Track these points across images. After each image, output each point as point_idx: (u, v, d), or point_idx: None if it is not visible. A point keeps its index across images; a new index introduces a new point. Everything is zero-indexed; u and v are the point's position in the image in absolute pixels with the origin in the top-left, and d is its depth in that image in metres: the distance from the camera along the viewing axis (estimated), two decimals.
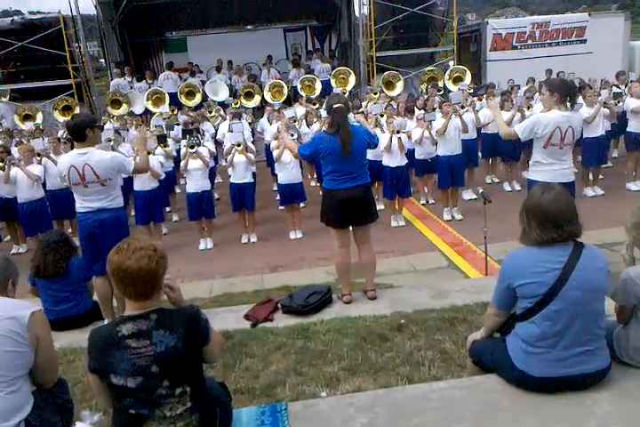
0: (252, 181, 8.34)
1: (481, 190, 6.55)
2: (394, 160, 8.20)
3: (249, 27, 18.94)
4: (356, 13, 16.92)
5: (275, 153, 8.13)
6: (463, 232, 7.66)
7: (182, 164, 8.07)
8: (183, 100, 14.24)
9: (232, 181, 8.18)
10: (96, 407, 3.26)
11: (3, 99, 15.72)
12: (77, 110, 13.52)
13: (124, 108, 13.95)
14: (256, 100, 14.33)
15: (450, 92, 12.50)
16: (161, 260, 2.27)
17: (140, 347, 2.22)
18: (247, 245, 8.13)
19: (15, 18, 16.13)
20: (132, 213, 8.24)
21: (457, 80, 14.51)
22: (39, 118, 13.75)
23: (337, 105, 4.62)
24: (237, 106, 12.70)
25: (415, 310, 4.49)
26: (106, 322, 4.59)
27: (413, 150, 8.82)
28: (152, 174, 7.63)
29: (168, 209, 9.43)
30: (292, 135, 7.94)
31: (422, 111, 9.56)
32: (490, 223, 5.92)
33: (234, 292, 6.18)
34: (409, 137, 8.47)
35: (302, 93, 13.87)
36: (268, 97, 14.19)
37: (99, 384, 2.32)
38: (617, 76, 11.54)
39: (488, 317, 2.98)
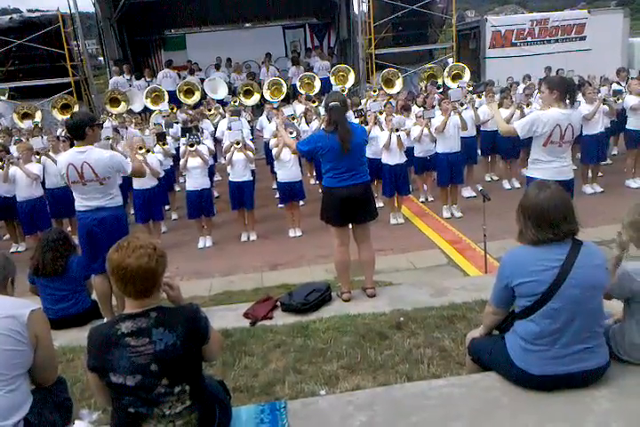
0: (252, 179, 8.33)
1: (480, 188, 6.55)
2: (393, 158, 8.20)
3: (248, 24, 18.93)
4: (355, 11, 16.93)
5: (274, 151, 8.12)
6: (462, 230, 7.66)
7: (182, 162, 8.06)
8: (182, 98, 14.22)
9: (231, 179, 8.18)
10: (95, 406, 3.26)
11: (1, 97, 15.70)
12: (76, 109, 13.49)
13: (122, 107, 13.93)
14: (255, 98, 14.31)
15: (449, 89, 12.49)
16: (160, 258, 2.27)
17: (140, 345, 2.22)
18: (246, 244, 8.13)
19: (14, 16, 16.13)
20: (132, 212, 8.24)
21: (456, 77, 14.49)
22: (38, 117, 13.73)
23: (333, 103, 4.61)
24: (236, 104, 12.68)
25: (414, 308, 4.49)
26: (105, 321, 4.59)
27: (412, 148, 8.81)
28: (151, 173, 7.62)
29: (167, 207, 9.43)
30: (290, 133, 7.94)
31: (421, 109, 9.56)
32: (489, 221, 5.93)
33: (233, 290, 6.18)
34: (407, 134, 8.47)
35: (301, 91, 13.87)
36: (267, 95, 14.18)
37: (98, 383, 2.32)
38: (617, 73, 11.53)
39: (486, 315, 2.98)
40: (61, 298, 4.78)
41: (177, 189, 10.32)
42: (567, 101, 4.69)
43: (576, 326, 2.63)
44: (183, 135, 8.72)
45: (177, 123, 10.51)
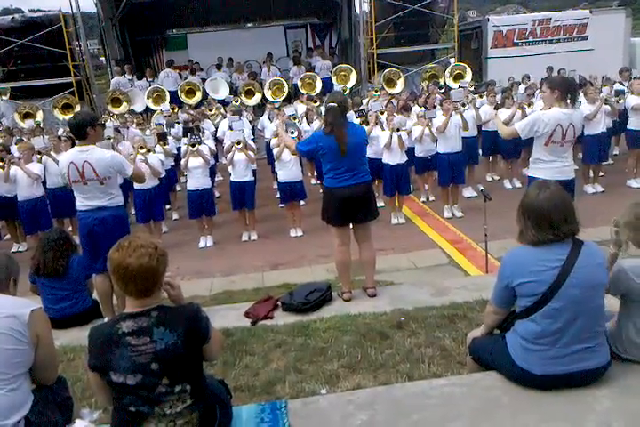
0: (253, 179, 8.32)
1: (481, 188, 6.54)
2: (394, 158, 8.20)
3: (249, 24, 18.93)
4: (357, 10, 16.93)
5: (275, 151, 8.12)
6: (463, 230, 7.66)
7: (183, 162, 8.07)
8: (183, 98, 14.24)
9: (232, 179, 8.18)
10: (96, 405, 3.26)
11: (3, 97, 15.70)
12: (78, 108, 13.51)
13: (124, 107, 13.94)
14: (256, 98, 14.31)
15: (451, 89, 12.49)
16: (161, 257, 2.27)
17: (140, 344, 2.22)
18: (247, 243, 8.13)
19: (16, 16, 16.14)
20: (132, 212, 8.25)
21: (458, 77, 14.49)
22: (39, 116, 13.75)
23: (330, 104, 4.60)
24: (238, 104, 12.69)
25: (415, 308, 4.49)
26: (106, 320, 4.59)
27: (413, 148, 8.81)
28: (152, 173, 7.64)
29: (168, 207, 9.44)
30: (292, 133, 7.95)
31: (422, 109, 9.56)
32: (490, 221, 5.92)
33: (234, 290, 6.18)
34: (408, 134, 8.47)
35: (303, 91, 13.87)
36: (268, 95, 14.18)
37: (98, 382, 2.32)
38: (620, 73, 11.52)
39: (487, 314, 2.98)
40: (62, 298, 4.78)
41: (178, 188, 10.33)
42: (568, 101, 4.69)
43: (577, 325, 2.62)
44: (184, 135, 8.73)
45: (178, 123, 10.52)
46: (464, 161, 8.70)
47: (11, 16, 16.20)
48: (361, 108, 9.39)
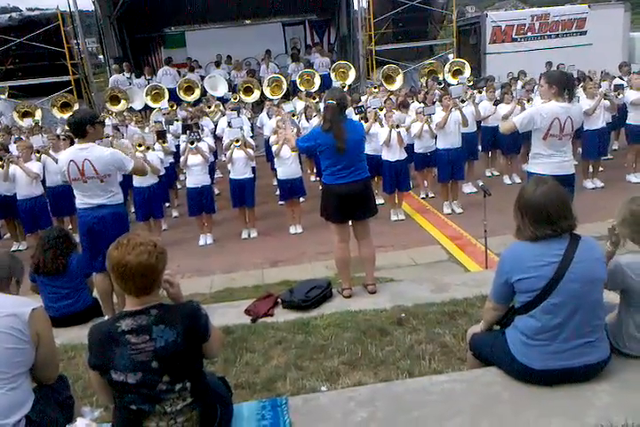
0: (252, 176, 8.32)
1: (481, 183, 6.54)
2: (393, 154, 8.19)
3: (247, 21, 18.87)
4: (355, 7, 16.89)
5: (274, 148, 8.12)
6: (463, 225, 7.66)
7: (182, 159, 8.06)
8: (182, 95, 14.22)
9: (232, 176, 8.17)
10: (97, 403, 3.27)
11: (1, 96, 15.70)
12: (76, 107, 13.48)
13: (122, 105, 13.93)
14: (255, 95, 14.29)
15: (450, 85, 12.47)
16: (161, 255, 2.27)
17: (140, 342, 2.22)
18: (247, 241, 8.13)
19: (13, 14, 16.09)
20: (132, 210, 8.24)
21: (457, 73, 14.48)
22: (38, 115, 13.71)
23: (328, 101, 4.60)
24: (236, 101, 12.67)
25: (415, 304, 4.49)
26: (106, 318, 4.60)
27: (413, 144, 8.80)
28: (152, 170, 7.62)
29: (167, 205, 9.43)
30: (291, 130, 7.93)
31: (421, 105, 9.54)
32: (490, 216, 5.92)
33: (234, 287, 6.19)
34: (407, 131, 8.46)
35: (301, 88, 13.85)
36: (267, 92, 14.16)
37: (99, 380, 2.33)
38: (620, 68, 11.48)
39: (487, 310, 2.98)
40: (62, 296, 4.78)
41: (178, 186, 10.32)
42: (566, 96, 4.68)
43: (577, 320, 2.63)
44: (183, 132, 8.72)
45: (177, 120, 10.51)
46: (463, 157, 8.69)
47: (8, 14, 16.15)
48: (360, 104, 9.38)
